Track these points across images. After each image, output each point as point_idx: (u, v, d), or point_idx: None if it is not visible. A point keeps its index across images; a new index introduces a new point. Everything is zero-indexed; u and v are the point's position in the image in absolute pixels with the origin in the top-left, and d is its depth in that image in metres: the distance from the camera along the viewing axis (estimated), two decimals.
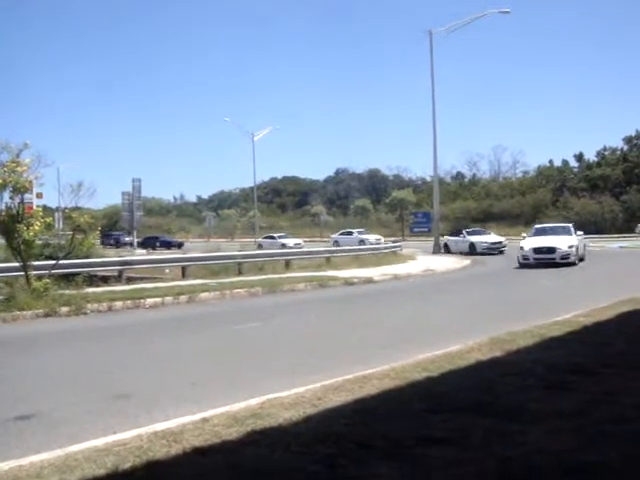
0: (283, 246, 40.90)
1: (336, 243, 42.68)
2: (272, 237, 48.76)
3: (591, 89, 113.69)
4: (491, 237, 33.63)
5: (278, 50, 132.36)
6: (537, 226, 27.14)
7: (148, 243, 50.79)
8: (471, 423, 4.35)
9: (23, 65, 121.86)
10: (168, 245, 51.13)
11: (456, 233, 35.17)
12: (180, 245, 51.60)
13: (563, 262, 21.62)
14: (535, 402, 4.83)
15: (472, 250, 31.05)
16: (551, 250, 22.11)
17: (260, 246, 42.64)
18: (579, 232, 24.42)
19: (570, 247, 22.23)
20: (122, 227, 41.42)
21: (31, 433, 5.00)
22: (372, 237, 46.13)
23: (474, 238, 32.33)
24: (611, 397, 4.92)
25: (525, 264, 22.17)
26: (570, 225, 25.70)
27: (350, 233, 47.77)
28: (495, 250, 31.27)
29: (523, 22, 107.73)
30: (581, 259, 23.46)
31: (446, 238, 35.29)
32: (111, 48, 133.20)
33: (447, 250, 33.60)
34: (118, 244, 49.05)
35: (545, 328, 8.26)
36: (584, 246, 24.88)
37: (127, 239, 47.52)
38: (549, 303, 12.30)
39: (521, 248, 23.13)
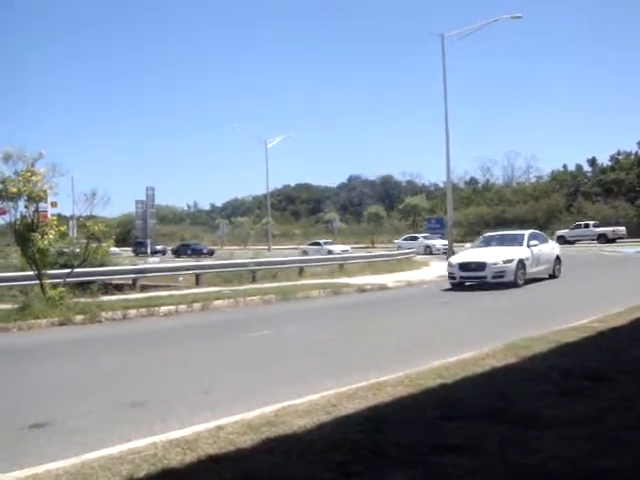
0: (330, 252, 40.83)
1: (400, 248, 41.04)
2: (318, 244, 48.98)
3: (604, 93, 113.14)
4: None
5: (290, 59, 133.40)
6: (486, 234, 21.66)
7: (181, 251, 54.00)
8: (485, 430, 4.33)
9: (38, 76, 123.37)
10: (199, 253, 51.89)
11: None
12: (211, 253, 52.44)
13: (496, 282, 16.76)
14: (550, 408, 4.80)
15: None
16: (480, 266, 17.20)
17: (305, 252, 41.47)
18: (537, 241, 18.57)
19: (507, 262, 16.96)
20: (136, 235, 41.85)
21: (46, 441, 5.03)
22: (439, 242, 42.82)
23: None
24: (627, 404, 4.88)
25: (455, 284, 17.73)
26: (525, 233, 19.43)
27: (415, 238, 46.18)
28: None
29: (536, 25, 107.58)
30: (551, 276, 19.00)
31: None
32: (125, 59, 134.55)
33: None
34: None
35: (560, 334, 8.19)
36: (556, 258, 19.56)
37: (159, 247, 48.93)
38: (558, 309, 12.21)
39: (449, 264, 18.47)
